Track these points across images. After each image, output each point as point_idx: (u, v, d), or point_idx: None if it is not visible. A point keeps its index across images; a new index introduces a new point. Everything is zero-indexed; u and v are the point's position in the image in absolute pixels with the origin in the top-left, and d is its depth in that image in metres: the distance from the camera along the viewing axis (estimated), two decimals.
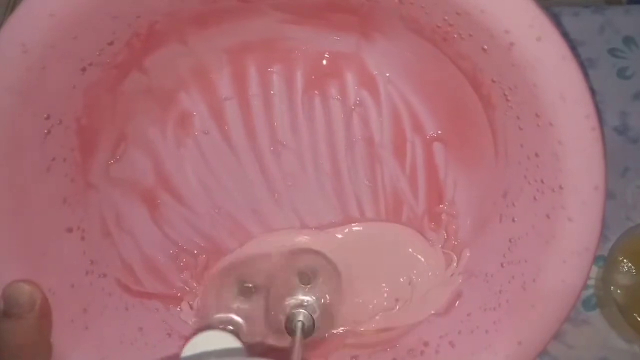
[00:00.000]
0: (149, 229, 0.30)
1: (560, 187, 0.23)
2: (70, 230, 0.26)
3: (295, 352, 0.25)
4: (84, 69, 0.24)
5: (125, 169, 0.29)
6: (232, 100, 0.30)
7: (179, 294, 0.30)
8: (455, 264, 0.30)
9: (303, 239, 0.31)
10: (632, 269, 0.32)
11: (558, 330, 0.25)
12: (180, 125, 0.30)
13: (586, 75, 0.21)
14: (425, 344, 0.28)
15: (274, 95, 0.30)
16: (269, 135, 0.30)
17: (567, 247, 0.23)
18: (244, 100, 0.30)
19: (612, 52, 0.36)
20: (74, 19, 0.22)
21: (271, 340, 0.29)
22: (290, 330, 0.27)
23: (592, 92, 0.21)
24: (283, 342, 0.28)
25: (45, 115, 0.24)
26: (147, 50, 0.26)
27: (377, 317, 0.30)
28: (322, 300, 0.28)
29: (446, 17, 0.23)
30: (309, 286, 0.29)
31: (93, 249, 0.27)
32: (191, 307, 0.30)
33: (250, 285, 0.29)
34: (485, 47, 0.23)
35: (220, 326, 0.28)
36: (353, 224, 0.31)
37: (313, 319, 0.27)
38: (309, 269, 0.29)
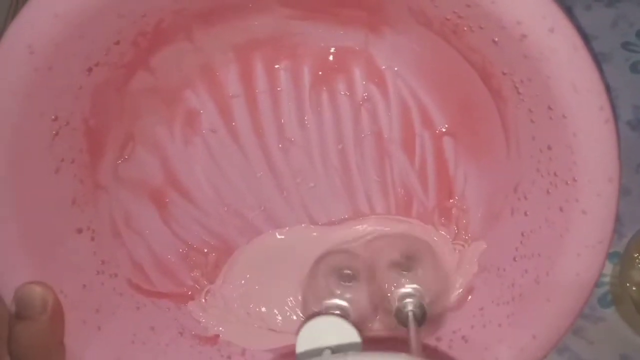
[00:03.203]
0: (158, 228, 0.30)
1: (574, 180, 0.23)
2: (80, 231, 0.26)
3: (412, 343, 0.24)
4: (90, 69, 0.24)
5: (134, 168, 0.29)
6: (240, 98, 0.30)
7: (190, 293, 0.30)
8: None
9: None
10: None
11: (573, 324, 0.24)
12: (188, 123, 0.29)
13: (600, 69, 0.21)
14: (438, 339, 0.28)
15: (282, 91, 0.30)
16: (277, 132, 0.30)
17: (581, 240, 0.23)
18: (251, 97, 0.30)
19: (625, 46, 0.36)
20: (80, 19, 0.22)
21: (378, 325, 0.29)
22: (402, 321, 0.26)
23: (606, 86, 0.21)
24: (392, 326, 0.28)
25: (52, 117, 0.24)
26: (153, 49, 0.26)
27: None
28: (427, 284, 0.27)
29: (456, 10, 0.23)
30: (411, 273, 0.27)
31: (103, 249, 0.27)
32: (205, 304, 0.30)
33: (350, 272, 0.28)
34: (496, 39, 0.22)
35: (329, 312, 0.26)
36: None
37: (424, 306, 0.26)
38: (405, 255, 0.28)
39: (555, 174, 0.24)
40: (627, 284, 0.32)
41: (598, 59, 0.35)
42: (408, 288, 0.27)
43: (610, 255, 0.34)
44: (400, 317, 0.26)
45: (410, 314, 0.26)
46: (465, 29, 0.24)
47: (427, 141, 0.30)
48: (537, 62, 0.21)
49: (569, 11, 0.36)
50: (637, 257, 0.32)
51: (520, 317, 0.25)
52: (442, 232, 0.30)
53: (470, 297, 0.29)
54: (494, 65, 0.24)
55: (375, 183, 0.31)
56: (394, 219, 0.31)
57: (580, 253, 0.23)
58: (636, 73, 0.35)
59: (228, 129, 0.30)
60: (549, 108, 0.22)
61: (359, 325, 0.25)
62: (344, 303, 0.27)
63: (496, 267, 0.28)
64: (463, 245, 0.30)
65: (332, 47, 0.29)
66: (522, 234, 0.26)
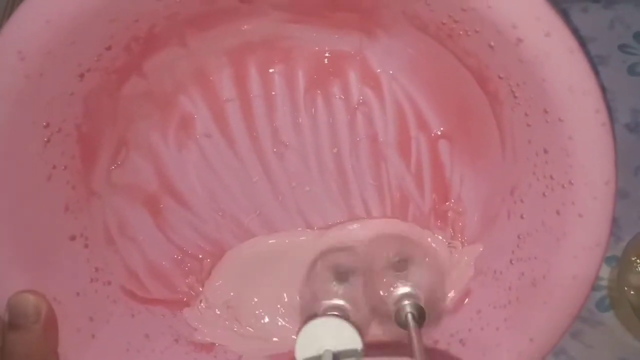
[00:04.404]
0: (152, 234, 0.30)
1: (570, 183, 0.23)
2: (73, 238, 0.26)
3: (414, 344, 0.24)
4: (82, 75, 0.24)
5: (127, 174, 0.29)
6: (234, 102, 0.29)
7: (185, 299, 0.30)
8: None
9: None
10: None
11: (570, 327, 0.24)
12: (182, 128, 0.29)
13: (596, 71, 0.21)
14: (435, 342, 0.28)
15: (276, 95, 0.30)
16: (272, 136, 0.30)
17: (578, 243, 0.23)
18: (245, 101, 0.29)
19: (622, 48, 0.36)
20: (71, 25, 0.22)
21: (376, 328, 0.29)
22: (401, 323, 0.26)
23: (603, 88, 0.21)
24: (389, 325, 0.27)
25: (44, 124, 0.24)
26: (146, 54, 0.26)
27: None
28: (423, 285, 0.27)
29: (451, 14, 0.23)
30: (404, 273, 0.27)
31: (97, 256, 0.27)
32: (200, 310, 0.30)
33: (347, 270, 0.28)
34: (492, 43, 0.22)
35: (328, 313, 0.26)
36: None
37: (422, 306, 0.26)
38: (399, 256, 0.28)
39: (551, 177, 0.24)
40: (625, 288, 0.32)
41: (595, 62, 0.35)
42: (404, 289, 0.27)
43: (608, 259, 0.34)
44: (399, 319, 0.26)
45: (409, 315, 0.25)
46: (461, 33, 0.24)
47: (423, 144, 0.30)
48: (533, 66, 0.21)
49: (565, 13, 0.36)
50: (635, 261, 0.32)
51: (517, 320, 0.25)
52: (439, 236, 0.30)
53: (467, 300, 0.28)
54: (490, 69, 0.24)
55: (371, 186, 0.31)
56: (390, 222, 0.31)
57: (577, 256, 0.23)
58: (633, 75, 0.35)
59: (222, 134, 0.30)
60: (545, 111, 0.22)
61: (357, 326, 0.24)
62: (343, 303, 0.26)
63: (493, 270, 0.28)
64: (459, 248, 0.30)
65: (327, 50, 0.29)
66: (519, 237, 0.26)
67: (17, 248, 0.23)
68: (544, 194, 0.24)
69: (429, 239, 0.30)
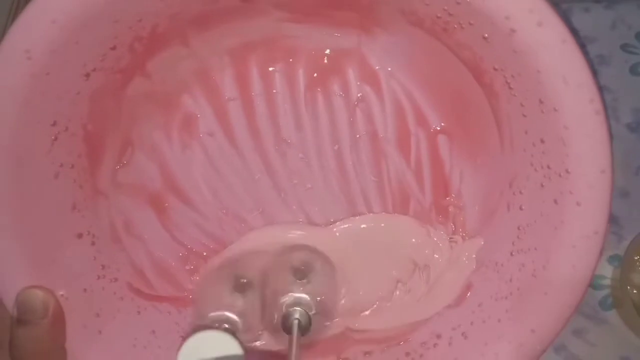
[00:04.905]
0: (158, 232, 0.30)
1: (567, 172, 0.23)
2: (80, 236, 0.26)
3: (292, 351, 0.25)
4: (87, 75, 0.24)
5: (132, 173, 0.29)
6: (236, 101, 0.30)
7: (190, 297, 0.30)
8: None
9: (297, 234, 0.30)
10: None
11: (571, 318, 0.24)
12: (185, 127, 0.30)
13: (595, 70, 0.21)
14: (438, 336, 0.28)
15: (277, 94, 0.30)
16: (274, 133, 0.30)
17: (576, 231, 0.23)
18: (247, 100, 0.30)
19: (624, 48, 0.36)
20: (76, 25, 0.22)
21: (268, 338, 0.29)
22: (287, 328, 0.27)
23: (602, 88, 0.21)
24: (280, 339, 0.28)
25: (51, 122, 0.24)
26: (149, 54, 0.27)
27: (385, 314, 0.30)
28: (319, 297, 0.28)
29: (446, 7, 0.23)
30: (304, 281, 0.28)
31: (104, 254, 0.27)
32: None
33: (245, 280, 0.29)
34: (486, 35, 0.23)
35: (216, 325, 0.27)
36: (354, 217, 0.31)
37: (309, 316, 0.27)
38: (303, 264, 0.29)
39: (548, 167, 0.24)
40: (628, 287, 0.32)
41: (597, 62, 0.35)
42: (299, 295, 0.27)
43: (610, 258, 0.34)
44: (285, 323, 0.27)
45: (295, 321, 0.26)
46: (456, 26, 0.24)
47: (422, 140, 0.30)
48: (527, 57, 0.22)
49: (567, 14, 0.36)
50: (638, 260, 0.32)
51: (518, 311, 0.25)
52: (440, 230, 0.31)
53: (469, 293, 0.29)
54: (485, 61, 0.25)
55: (371, 183, 0.31)
56: (388, 216, 0.31)
57: (575, 245, 0.24)
58: (635, 75, 0.35)
59: (225, 132, 0.30)
60: (540, 102, 0.23)
61: (246, 334, 0.26)
62: (233, 316, 0.27)
63: (494, 262, 0.28)
64: (460, 242, 0.30)
65: (327, 49, 0.30)
66: (519, 228, 0.27)
67: (25, 245, 0.24)
68: (541, 185, 0.25)
69: (431, 234, 0.31)
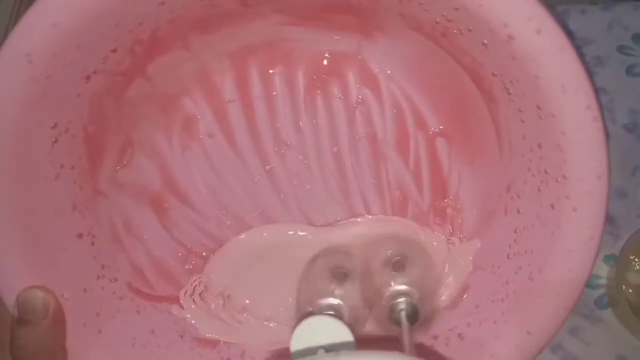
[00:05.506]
0: (157, 232, 0.30)
1: (564, 177, 0.23)
2: (80, 236, 0.27)
3: (406, 342, 0.24)
4: (88, 77, 0.25)
5: (133, 174, 0.29)
6: (236, 103, 0.30)
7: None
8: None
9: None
10: None
11: (566, 320, 0.25)
12: (185, 129, 0.30)
13: (592, 71, 0.21)
14: (435, 337, 0.28)
15: (277, 96, 0.30)
16: (273, 136, 0.31)
17: (572, 236, 0.24)
18: (247, 102, 0.30)
19: (621, 49, 0.36)
20: (77, 28, 0.22)
21: (372, 324, 0.29)
22: (394, 320, 0.26)
23: (599, 90, 0.21)
24: (385, 325, 0.28)
25: (52, 124, 0.24)
26: (150, 57, 0.27)
27: None
28: (419, 285, 0.27)
29: (444, 13, 0.23)
30: (402, 272, 0.28)
31: (103, 254, 0.28)
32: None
33: (344, 271, 0.28)
34: (485, 41, 0.23)
35: (323, 312, 0.26)
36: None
37: (416, 305, 0.26)
38: (398, 255, 0.29)
39: (546, 172, 0.24)
40: (623, 286, 0.32)
41: (594, 63, 0.35)
42: (400, 287, 0.27)
43: (606, 258, 0.34)
44: (392, 316, 0.26)
45: (402, 312, 0.26)
46: (455, 31, 0.24)
47: (421, 143, 0.30)
48: (525, 63, 0.22)
49: (564, 16, 0.36)
50: (633, 260, 0.32)
51: (515, 313, 0.26)
52: (438, 232, 0.31)
53: (465, 295, 0.29)
54: (484, 67, 0.25)
55: (370, 185, 0.31)
56: (389, 219, 0.31)
57: (571, 249, 0.24)
58: (632, 76, 0.36)
59: (225, 134, 0.30)
60: (538, 107, 0.23)
61: (352, 325, 0.25)
62: (338, 302, 0.27)
63: (491, 264, 0.28)
64: (458, 244, 0.30)
65: (326, 52, 0.30)
66: (516, 232, 0.27)
67: (26, 245, 0.24)
68: (539, 189, 0.25)
69: (429, 237, 0.31)
